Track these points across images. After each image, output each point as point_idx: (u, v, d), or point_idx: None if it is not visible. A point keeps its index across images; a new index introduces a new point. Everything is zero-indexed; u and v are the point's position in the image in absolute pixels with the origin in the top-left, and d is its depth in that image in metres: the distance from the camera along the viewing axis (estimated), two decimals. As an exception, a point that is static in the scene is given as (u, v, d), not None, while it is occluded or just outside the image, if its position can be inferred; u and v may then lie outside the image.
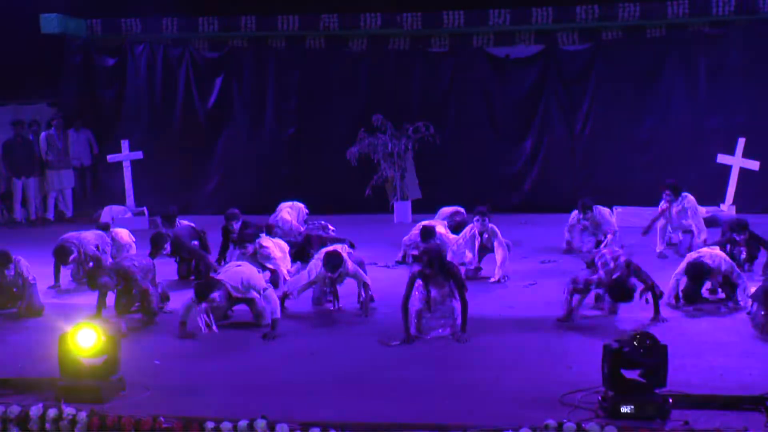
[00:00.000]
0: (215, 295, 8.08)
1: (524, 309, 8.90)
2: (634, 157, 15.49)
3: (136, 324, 8.54)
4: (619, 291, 8.05)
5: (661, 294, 8.30)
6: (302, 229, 12.12)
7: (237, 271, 8.48)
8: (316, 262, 8.79)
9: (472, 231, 10.49)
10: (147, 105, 16.82)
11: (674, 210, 11.39)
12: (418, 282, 7.95)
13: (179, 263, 10.85)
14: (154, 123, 16.79)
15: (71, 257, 10.10)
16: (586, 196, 11.86)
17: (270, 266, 9.96)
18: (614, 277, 8.15)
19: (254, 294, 8.33)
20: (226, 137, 16.72)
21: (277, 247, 10.32)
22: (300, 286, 8.85)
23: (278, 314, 8.14)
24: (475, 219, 10.50)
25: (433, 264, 7.85)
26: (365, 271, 9.17)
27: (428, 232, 10.71)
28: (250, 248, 10.05)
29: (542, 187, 15.83)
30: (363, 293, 8.91)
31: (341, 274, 8.77)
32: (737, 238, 10.09)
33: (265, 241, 10.28)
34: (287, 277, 9.90)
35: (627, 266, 8.21)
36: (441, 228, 11.17)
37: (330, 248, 9.02)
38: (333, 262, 8.62)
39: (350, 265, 8.82)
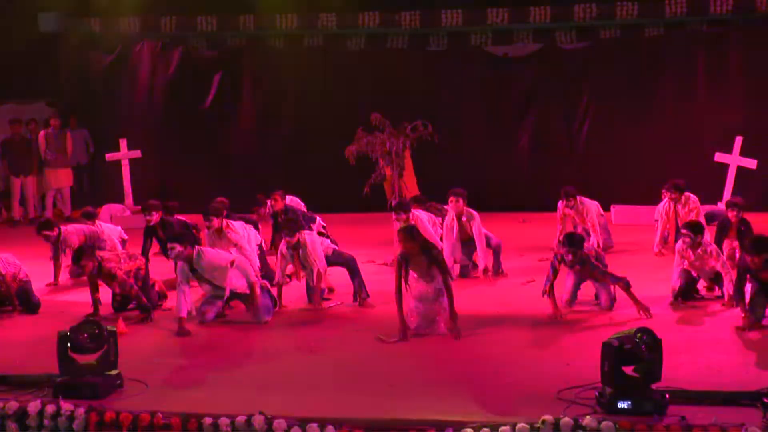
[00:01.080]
0: (177, 245, 8.17)
1: (522, 306, 8.89)
2: (631, 155, 15.48)
3: (133, 321, 8.55)
4: (571, 240, 8.39)
5: (623, 279, 8.31)
6: None
7: (207, 250, 8.56)
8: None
9: (450, 216, 10.22)
10: (145, 103, 16.84)
11: (682, 211, 11.38)
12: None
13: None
14: (153, 122, 16.80)
15: (49, 232, 10.15)
16: (569, 185, 11.86)
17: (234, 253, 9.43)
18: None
19: (215, 275, 8.33)
20: (225, 136, 16.73)
21: (245, 236, 10.00)
22: (280, 267, 9.04)
23: (252, 279, 8.38)
24: (450, 200, 10.19)
25: (409, 238, 7.76)
26: (354, 266, 9.15)
27: (400, 205, 10.43)
28: (215, 222, 9.77)
29: (540, 185, 15.80)
30: (315, 280, 8.96)
31: (301, 246, 8.82)
32: (729, 215, 10.11)
33: (237, 226, 10.02)
34: (257, 270, 9.43)
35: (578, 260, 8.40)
36: (421, 214, 11.11)
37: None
38: (290, 226, 8.90)
39: (318, 252, 8.90)
